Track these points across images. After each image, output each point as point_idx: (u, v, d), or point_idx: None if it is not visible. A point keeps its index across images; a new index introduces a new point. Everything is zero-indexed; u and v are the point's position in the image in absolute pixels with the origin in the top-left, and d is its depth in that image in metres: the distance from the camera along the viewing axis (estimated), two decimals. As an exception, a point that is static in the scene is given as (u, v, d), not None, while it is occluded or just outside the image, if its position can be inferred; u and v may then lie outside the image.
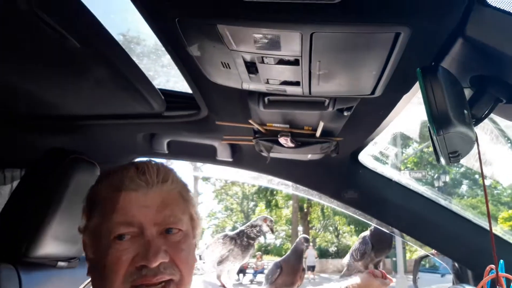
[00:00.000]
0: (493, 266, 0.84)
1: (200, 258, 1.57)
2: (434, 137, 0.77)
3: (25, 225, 1.23)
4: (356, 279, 1.61)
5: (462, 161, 0.95)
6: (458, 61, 0.85)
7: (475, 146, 0.87)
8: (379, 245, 1.71)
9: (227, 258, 1.54)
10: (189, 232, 0.94)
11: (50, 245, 1.27)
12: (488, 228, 1.66)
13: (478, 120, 0.86)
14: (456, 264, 1.86)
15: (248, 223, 1.60)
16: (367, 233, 1.75)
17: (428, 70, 0.75)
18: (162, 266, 0.84)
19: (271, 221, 1.58)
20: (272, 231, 1.58)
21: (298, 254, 1.63)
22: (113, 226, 0.86)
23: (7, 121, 1.60)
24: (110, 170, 0.93)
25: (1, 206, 1.35)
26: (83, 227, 0.95)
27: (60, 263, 1.34)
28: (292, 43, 0.78)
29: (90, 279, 1.07)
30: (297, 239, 1.70)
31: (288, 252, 1.70)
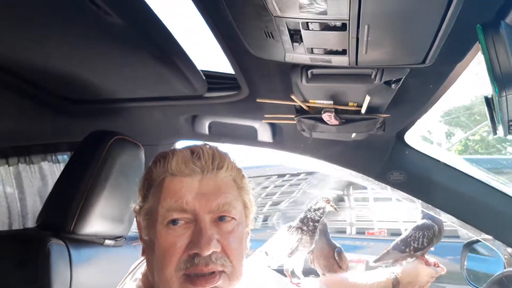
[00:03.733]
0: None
1: (267, 255, 1.57)
2: (495, 100, 0.72)
3: (72, 203, 1.27)
4: (402, 266, 1.57)
5: None
6: (521, 20, 0.79)
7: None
8: (439, 235, 1.62)
9: (297, 248, 1.53)
10: (242, 221, 0.94)
11: (97, 223, 1.31)
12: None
13: (544, 85, 0.80)
14: (509, 249, 1.77)
15: (309, 208, 1.58)
16: (424, 220, 1.64)
17: (490, 25, 0.70)
18: (214, 256, 0.85)
19: (332, 201, 1.55)
20: (336, 210, 1.55)
21: (323, 234, 1.59)
22: (167, 211, 0.87)
23: (53, 106, 1.65)
24: (166, 153, 0.93)
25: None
26: (138, 208, 0.96)
27: (107, 241, 1.37)
28: (339, 5, 0.75)
29: (142, 258, 1.10)
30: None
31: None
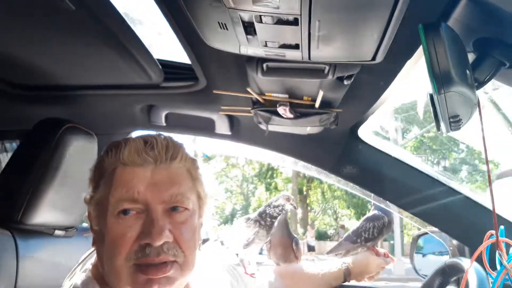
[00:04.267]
0: (493, 231, 0.84)
1: (222, 244, 1.57)
2: (435, 98, 0.75)
3: (21, 193, 1.23)
4: (353, 257, 1.62)
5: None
6: (462, 22, 0.83)
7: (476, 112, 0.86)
8: (388, 226, 1.68)
9: (253, 241, 1.54)
10: (195, 211, 0.93)
11: (47, 213, 1.28)
12: (488, 205, 1.68)
13: (480, 84, 0.85)
14: (454, 241, 1.86)
15: (268, 203, 1.60)
16: (374, 211, 1.70)
17: (431, 26, 0.73)
18: (165, 246, 0.84)
19: (292, 199, 1.58)
20: (295, 208, 1.58)
21: (282, 224, 1.62)
22: (118, 201, 0.86)
23: (2, 91, 1.58)
24: (119, 142, 0.91)
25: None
26: (89, 198, 0.94)
27: (57, 232, 1.34)
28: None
29: (92, 249, 1.08)
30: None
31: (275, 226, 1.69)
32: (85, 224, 1.57)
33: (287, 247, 1.61)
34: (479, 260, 0.99)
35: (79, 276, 0.97)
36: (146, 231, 0.84)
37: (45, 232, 1.31)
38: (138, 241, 0.84)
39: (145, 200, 0.86)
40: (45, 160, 1.28)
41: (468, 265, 1.21)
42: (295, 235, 1.67)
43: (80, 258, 1.13)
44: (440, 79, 0.72)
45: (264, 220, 1.56)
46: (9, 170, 1.31)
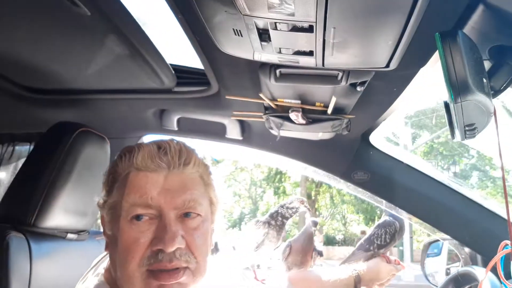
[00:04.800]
0: (508, 241, 0.83)
1: (234, 249, 1.57)
2: (451, 106, 0.75)
3: (34, 196, 1.24)
4: (365, 264, 1.61)
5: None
6: (478, 30, 0.83)
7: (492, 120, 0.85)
8: (400, 232, 1.67)
9: (263, 242, 1.54)
10: (207, 217, 0.93)
11: (59, 217, 1.28)
12: (500, 213, 1.66)
13: (497, 92, 0.84)
14: (466, 249, 1.84)
15: (282, 204, 1.59)
16: (385, 218, 1.69)
17: (448, 34, 0.72)
18: (178, 252, 0.84)
19: (306, 202, 1.58)
20: (309, 210, 1.58)
21: (307, 234, 1.61)
22: (131, 206, 0.86)
23: (17, 95, 1.60)
24: (132, 147, 0.91)
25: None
26: (102, 202, 0.94)
27: (70, 235, 1.35)
28: (307, 6, 0.76)
29: (105, 253, 1.09)
30: (307, 222, 1.68)
31: (299, 233, 1.69)
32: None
33: (307, 255, 1.60)
34: (493, 269, 0.98)
35: (92, 280, 0.97)
36: (159, 237, 0.84)
37: (58, 236, 1.31)
38: (151, 246, 0.84)
39: (158, 205, 0.86)
40: (59, 164, 1.28)
41: (482, 274, 1.20)
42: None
43: (93, 262, 1.14)
44: (457, 88, 0.71)
45: (275, 219, 1.55)
46: (22, 173, 1.32)
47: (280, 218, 1.56)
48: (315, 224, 1.62)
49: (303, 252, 1.60)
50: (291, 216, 1.57)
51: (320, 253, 1.63)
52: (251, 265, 1.57)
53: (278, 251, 1.64)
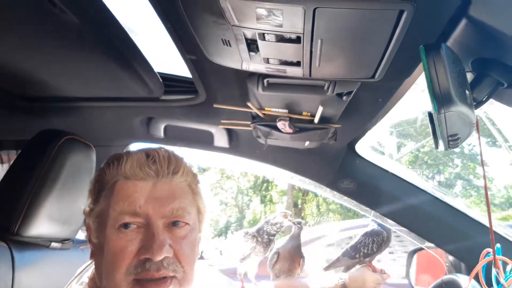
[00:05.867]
0: (489, 249, 0.84)
1: (221, 254, 1.57)
2: (435, 117, 0.76)
3: (18, 204, 1.22)
4: (350, 272, 1.62)
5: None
6: (461, 43, 0.85)
7: (474, 131, 0.87)
8: (387, 242, 1.68)
9: (249, 255, 1.54)
10: (195, 226, 0.93)
11: (44, 225, 1.26)
12: (483, 221, 1.69)
13: (479, 104, 0.86)
14: (450, 257, 1.87)
15: (266, 220, 1.59)
16: (373, 226, 1.69)
17: (432, 47, 0.74)
18: (165, 261, 0.84)
19: (290, 215, 1.58)
20: (294, 224, 1.58)
21: (294, 240, 1.62)
22: (119, 214, 0.85)
23: (4, 102, 1.58)
24: (120, 155, 0.91)
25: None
26: (89, 210, 0.93)
27: (54, 244, 1.33)
28: (294, 18, 0.77)
29: (90, 261, 1.07)
30: (293, 229, 1.68)
31: (286, 240, 1.69)
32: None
33: (295, 262, 1.60)
34: (476, 277, 1.00)
35: (76, 289, 0.96)
36: (147, 246, 0.83)
37: (41, 244, 1.29)
38: (138, 255, 0.84)
39: (146, 214, 0.85)
40: (43, 171, 1.27)
41: (465, 282, 1.22)
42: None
43: (77, 271, 1.13)
44: (441, 99, 0.73)
45: (261, 237, 1.56)
46: (6, 181, 1.30)
47: (266, 236, 1.56)
48: (299, 223, 1.62)
49: (291, 259, 1.60)
50: (276, 232, 1.57)
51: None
52: (238, 274, 1.57)
53: (265, 259, 1.64)
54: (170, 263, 0.84)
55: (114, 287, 0.85)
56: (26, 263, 1.21)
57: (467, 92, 0.78)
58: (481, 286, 1.06)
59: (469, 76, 0.90)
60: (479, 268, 0.87)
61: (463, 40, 0.85)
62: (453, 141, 0.87)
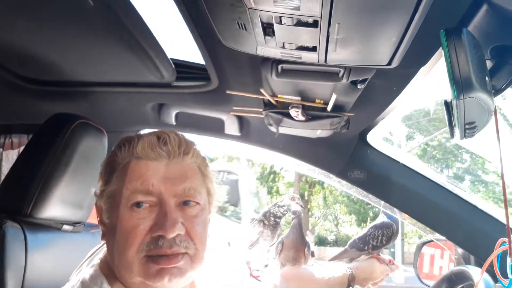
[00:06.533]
0: (505, 238, 0.83)
1: (229, 245, 1.57)
2: (454, 103, 0.75)
3: (31, 186, 1.23)
4: (358, 263, 1.61)
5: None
6: (481, 29, 0.83)
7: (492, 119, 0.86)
8: (396, 234, 1.67)
9: (257, 241, 1.54)
10: (205, 207, 0.95)
11: (56, 208, 1.27)
12: (494, 214, 1.67)
13: (497, 91, 0.85)
14: (459, 250, 1.86)
15: (274, 203, 1.60)
16: (383, 218, 1.68)
17: (453, 31, 0.73)
18: (178, 239, 0.85)
19: (298, 198, 1.58)
20: (302, 207, 1.58)
21: (295, 229, 1.61)
22: (131, 193, 0.86)
23: (15, 85, 1.59)
24: (132, 137, 0.93)
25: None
26: (100, 192, 0.94)
27: (65, 227, 1.34)
28: (312, 1, 0.76)
29: (100, 245, 1.08)
30: (294, 220, 1.67)
31: (289, 229, 1.69)
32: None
33: (300, 251, 1.61)
34: (487, 269, 0.99)
35: (87, 271, 0.97)
36: (159, 223, 0.85)
37: (53, 227, 1.31)
38: (151, 233, 0.85)
39: (158, 192, 0.86)
40: (56, 155, 1.27)
41: (476, 273, 1.21)
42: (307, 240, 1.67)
43: (87, 253, 1.14)
44: (461, 85, 0.72)
45: (268, 219, 1.56)
46: (20, 164, 1.31)
47: (272, 218, 1.56)
48: (294, 213, 1.62)
49: (295, 247, 1.60)
50: (283, 214, 1.57)
51: (312, 253, 1.64)
52: (247, 262, 1.57)
53: (273, 248, 1.64)
54: (182, 240, 0.86)
55: (126, 265, 0.86)
56: (38, 245, 1.22)
57: (486, 78, 0.77)
58: (493, 278, 1.06)
59: (488, 64, 0.88)
60: (493, 257, 0.87)
61: (483, 26, 0.83)
62: (469, 129, 0.86)
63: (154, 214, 0.86)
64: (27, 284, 1.15)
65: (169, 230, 0.83)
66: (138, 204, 0.86)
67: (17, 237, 1.15)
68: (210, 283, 1.11)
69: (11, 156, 1.88)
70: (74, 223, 1.38)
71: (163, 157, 0.89)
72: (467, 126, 0.84)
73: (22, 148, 1.86)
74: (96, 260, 0.99)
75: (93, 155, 1.38)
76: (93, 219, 1.47)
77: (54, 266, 1.26)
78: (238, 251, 1.58)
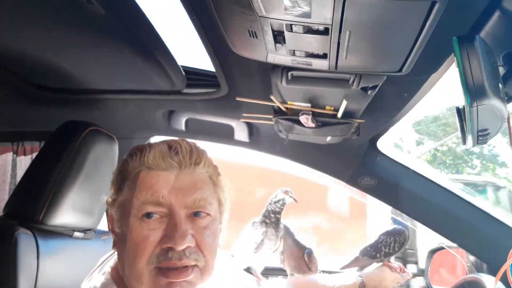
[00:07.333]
0: (520, 247, 0.82)
1: (233, 257, 1.56)
2: (466, 110, 0.75)
3: (43, 193, 1.24)
4: (369, 271, 1.60)
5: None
6: (493, 36, 0.83)
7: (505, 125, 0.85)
8: (408, 240, 1.64)
9: (263, 242, 1.53)
10: (216, 217, 0.94)
11: (67, 214, 1.28)
12: (506, 221, 1.65)
13: (510, 98, 0.84)
14: (471, 257, 1.83)
15: (269, 201, 1.59)
16: (394, 225, 1.66)
17: (465, 38, 0.73)
18: (187, 251, 0.85)
19: (291, 192, 1.57)
20: (295, 200, 1.57)
21: (287, 238, 1.60)
22: (142, 204, 0.86)
23: (28, 93, 1.60)
24: (143, 146, 0.92)
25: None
26: (111, 201, 0.94)
27: (77, 233, 1.34)
28: (323, 9, 0.76)
29: (111, 252, 1.08)
30: (284, 229, 1.65)
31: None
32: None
33: (299, 259, 1.59)
34: (501, 279, 0.98)
35: (98, 278, 0.97)
36: (169, 235, 0.84)
37: (64, 233, 1.31)
38: (161, 244, 0.85)
39: (169, 204, 0.86)
40: (68, 162, 1.28)
41: (489, 281, 1.20)
42: (307, 246, 1.66)
43: (99, 260, 1.14)
44: (474, 92, 0.71)
45: (269, 218, 1.55)
46: (32, 171, 1.32)
47: (272, 215, 1.55)
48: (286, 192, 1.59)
49: (292, 257, 1.59)
50: (281, 209, 1.56)
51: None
52: (254, 270, 1.56)
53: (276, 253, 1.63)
54: (192, 253, 0.85)
55: (136, 276, 0.86)
56: (50, 251, 1.23)
57: (500, 85, 0.76)
58: (507, 285, 1.04)
59: (501, 70, 0.88)
60: (507, 266, 0.85)
61: (495, 33, 0.83)
62: (482, 136, 0.85)
63: (164, 225, 0.85)
64: (39, 290, 1.15)
65: (179, 242, 0.83)
66: (148, 215, 0.85)
67: (29, 244, 1.16)
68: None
69: (24, 163, 1.90)
70: (85, 230, 1.38)
71: (174, 167, 0.88)
72: (479, 133, 0.84)
73: (34, 154, 1.88)
74: (107, 267, 0.99)
75: (104, 161, 1.39)
76: (103, 226, 1.48)
77: (65, 272, 1.27)
78: (242, 260, 1.56)
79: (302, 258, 1.59)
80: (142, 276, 0.85)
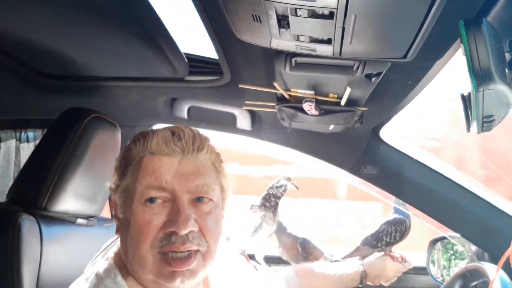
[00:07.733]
0: (522, 234, 0.82)
1: (228, 240, 1.57)
2: (472, 95, 0.74)
3: (46, 180, 1.24)
4: (371, 260, 1.60)
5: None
6: (500, 21, 0.82)
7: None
8: (409, 229, 1.65)
9: (260, 225, 1.54)
10: (219, 203, 0.95)
11: (70, 201, 1.28)
12: (508, 211, 1.65)
13: (517, 84, 0.83)
14: (473, 247, 1.83)
15: (270, 185, 1.60)
16: (395, 215, 1.66)
17: (472, 22, 0.72)
18: (190, 235, 0.85)
19: (293, 179, 1.58)
20: (297, 187, 1.58)
21: (278, 231, 1.62)
22: (145, 189, 0.87)
23: (31, 80, 1.60)
24: (146, 132, 0.93)
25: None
26: (115, 186, 0.95)
27: (80, 220, 1.35)
28: (328, -8, 0.76)
29: (114, 238, 1.09)
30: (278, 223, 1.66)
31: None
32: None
33: (293, 249, 1.61)
34: (503, 267, 0.98)
35: (101, 264, 0.98)
36: (172, 219, 0.85)
37: (68, 220, 1.32)
38: (164, 229, 0.85)
39: (172, 188, 0.87)
40: (70, 149, 1.28)
41: (491, 270, 1.20)
42: (301, 236, 1.66)
43: (101, 247, 1.15)
44: (480, 76, 0.70)
45: (269, 201, 1.56)
46: (35, 158, 1.33)
47: (273, 199, 1.57)
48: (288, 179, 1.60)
49: (285, 248, 1.61)
50: (282, 194, 1.58)
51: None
52: (242, 251, 1.56)
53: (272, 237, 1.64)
54: (195, 237, 0.86)
55: (140, 260, 0.87)
56: (53, 237, 1.23)
57: (506, 70, 0.75)
58: (509, 274, 1.04)
59: (506, 57, 0.87)
60: (509, 253, 0.85)
61: (502, 17, 0.82)
62: (487, 122, 0.85)
63: (167, 210, 0.86)
64: (43, 276, 1.16)
65: (182, 226, 0.84)
66: (151, 200, 0.86)
67: (33, 229, 1.16)
68: (223, 277, 1.11)
69: (27, 150, 1.90)
70: (88, 217, 1.39)
71: (177, 153, 0.89)
72: (485, 120, 0.83)
73: (37, 141, 1.88)
74: (110, 253, 1.00)
75: (107, 149, 1.39)
76: (106, 213, 1.49)
77: (69, 258, 1.27)
78: (238, 243, 1.57)
79: (296, 248, 1.61)
80: (146, 260, 0.86)
